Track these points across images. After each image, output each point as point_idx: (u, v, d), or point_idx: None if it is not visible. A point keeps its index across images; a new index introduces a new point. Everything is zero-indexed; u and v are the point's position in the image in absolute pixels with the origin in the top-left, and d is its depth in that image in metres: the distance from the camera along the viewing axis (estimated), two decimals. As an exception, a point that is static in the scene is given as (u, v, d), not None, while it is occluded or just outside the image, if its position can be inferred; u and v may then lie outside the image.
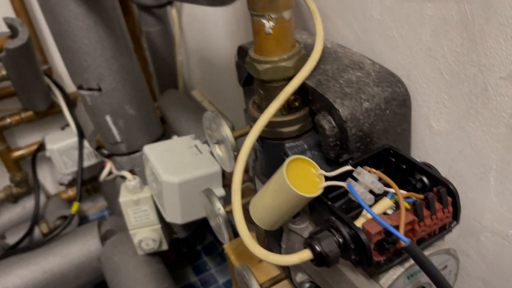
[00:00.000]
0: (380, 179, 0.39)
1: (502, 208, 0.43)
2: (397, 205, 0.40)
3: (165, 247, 0.98)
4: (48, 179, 1.45)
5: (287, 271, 0.58)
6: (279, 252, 0.54)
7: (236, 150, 0.52)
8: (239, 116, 0.98)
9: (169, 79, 1.23)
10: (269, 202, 0.41)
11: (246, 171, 0.89)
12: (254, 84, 0.50)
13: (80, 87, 0.83)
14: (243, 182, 0.88)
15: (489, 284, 0.49)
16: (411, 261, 0.39)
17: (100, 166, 1.07)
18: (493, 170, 0.42)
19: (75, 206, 1.08)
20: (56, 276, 1.02)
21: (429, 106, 0.47)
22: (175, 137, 0.89)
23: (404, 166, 0.43)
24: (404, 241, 0.35)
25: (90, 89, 0.82)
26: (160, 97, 1.23)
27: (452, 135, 0.45)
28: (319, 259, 0.37)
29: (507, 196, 0.42)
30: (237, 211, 0.41)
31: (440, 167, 0.46)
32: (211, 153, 0.82)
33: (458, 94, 0.43)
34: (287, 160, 0.39)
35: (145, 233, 0.94)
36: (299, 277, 0.53)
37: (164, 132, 0.98)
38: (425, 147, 0.49)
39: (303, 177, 0.40)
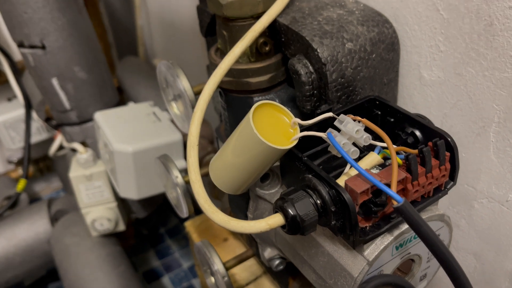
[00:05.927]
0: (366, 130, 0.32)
1: (503, 169, 0.37)
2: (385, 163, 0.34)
3: (121, 227, 0.89)
4: (-6, 157, 1.32)
5: (254, 248, 0.51)
6: (245, 224, 0.46)
7: (195, 105, 0.44)
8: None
9: (129, 47, 1.14)
10: (233, 158, 0.33)
11: (211, 142, 0.81)
12: (216, 26, 0.42)
13: (20, 45, 0.73)
14: (208, 153, 0.79)
15: (481, 257, 0.43)
16: (401, 228, 0.33)
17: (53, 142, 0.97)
18: (495, 123, 0.36)
19: (21, 184, 0.97)
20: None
21: (421, 53, 0.40)
22: (131, 104, 0.80)
23: (392, 120, 0.37)
24: (397, 200, 0.28)
25: (32, 47, 0.72)
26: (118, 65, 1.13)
27: (446, 85, 0.39)
28: (293, 225, 0.31)
29: (510, 153, 0.36)
30: (193, 170, 0.33)
31: (430, 123, 0.40)
32: (172, 121, 0.74)
33: (457, 34, 0.36)
34: (254, 106, 0.32)
35: (99, 212, 0.85)
36: (268, 253, 0.46)
37: (120, 100, 0.89)
38: (413, 102, 0.43)
39: (273, 127, 0.33)
